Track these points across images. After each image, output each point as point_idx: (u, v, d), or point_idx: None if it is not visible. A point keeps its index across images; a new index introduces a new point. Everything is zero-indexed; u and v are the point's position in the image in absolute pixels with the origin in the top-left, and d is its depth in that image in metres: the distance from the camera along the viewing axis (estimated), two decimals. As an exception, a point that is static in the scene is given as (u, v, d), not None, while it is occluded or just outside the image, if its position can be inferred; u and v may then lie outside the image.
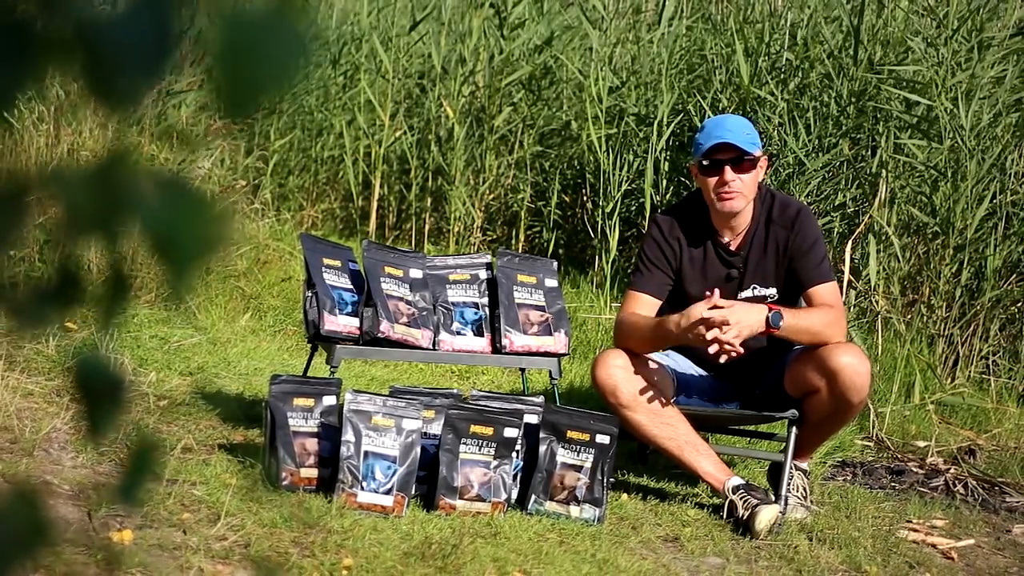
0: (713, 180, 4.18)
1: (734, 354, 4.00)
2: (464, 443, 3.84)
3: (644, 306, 4.23)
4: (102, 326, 0.99)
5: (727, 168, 4.15)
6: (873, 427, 5.35)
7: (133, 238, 0.89)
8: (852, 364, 4.04)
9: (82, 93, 0.87)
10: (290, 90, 0.89)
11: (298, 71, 0.87)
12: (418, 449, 3.77)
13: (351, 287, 4.21)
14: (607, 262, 6.45)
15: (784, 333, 4.06)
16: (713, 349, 3.99)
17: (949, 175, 5.97)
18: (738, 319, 3.99)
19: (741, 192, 4.18)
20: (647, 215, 6.24)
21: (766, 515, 3.97)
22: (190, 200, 0.88)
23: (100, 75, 0.87)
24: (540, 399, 4.15)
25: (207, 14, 0.87)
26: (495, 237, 7.21)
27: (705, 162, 4.18)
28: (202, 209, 0.88)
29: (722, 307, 4.01)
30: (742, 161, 4.16)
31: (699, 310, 4.00)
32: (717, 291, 4.07)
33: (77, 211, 0.87)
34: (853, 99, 6.22)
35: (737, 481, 4.10)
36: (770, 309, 4.03)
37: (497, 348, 4.28)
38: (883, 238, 6.02)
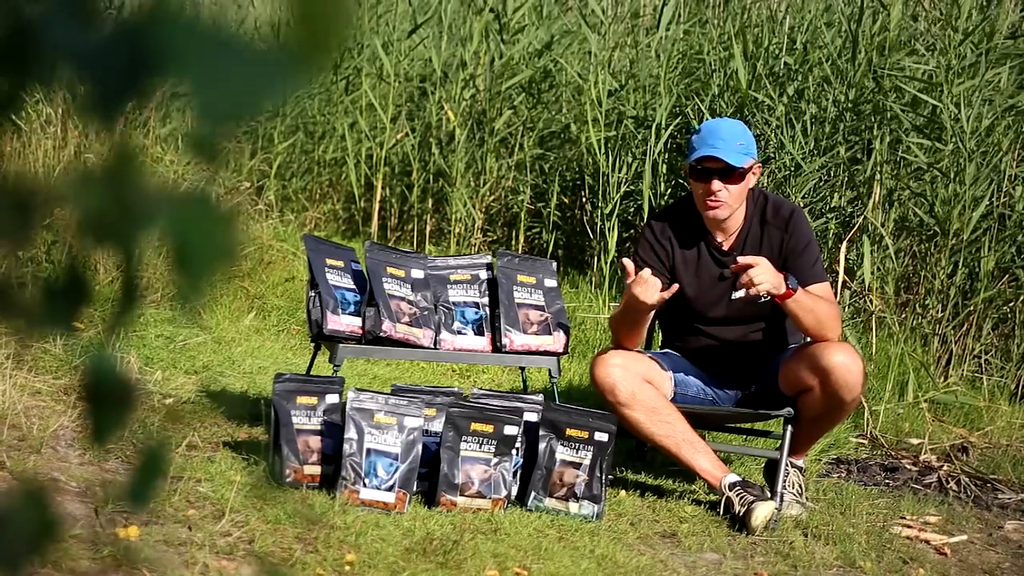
0: (701, 188, 4.24)
1: (754, 289, 4.02)
2: (465, 440, 3.86)
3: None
4: (110, 331, 1.00)
5: (715, 179, 4.21)
6: (867, 425, 5.38)
7: (145, 244, 0.90)
8: (844, 363, 4.08)
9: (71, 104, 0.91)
10: (260, 113, 0.92)
11: (273, 96, 0.89)
12: (419, 446, 3.80)
13: (354, 287, 4.23)
14: (606, 263, 6.49)
15: (795, 305, 4.09)
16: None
17: (952, 176, 6.02)
18: (763, 268, 4.04)
19: (726, 202, 4.23)
20: (645, 216, 6.29)
21: (762, 511, 4.00)
22: (203, 208, 0.90)
23: (82, 93, 0.89)
24: (540, 397, 4.18)
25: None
26: (495, 238, 7.25)
27: (698, 167, 4.24)
28: (215, 217, 0.90)
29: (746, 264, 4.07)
30: (731, 174, 4.21)
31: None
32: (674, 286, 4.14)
33: (92, 219, 0.89)
34: (850, 103, 6.26)
35: (733, 478, 4.13)
36: (786, 277, 4.09)
37: (497, 347, 4.30)
38: (877, 239, 6.07)
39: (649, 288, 4.09)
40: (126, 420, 0.96)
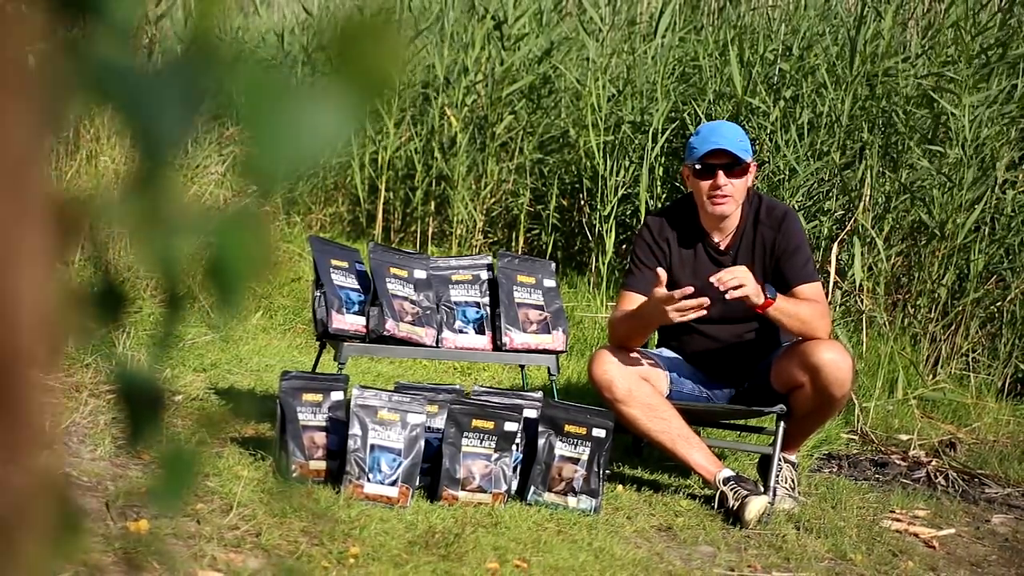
0: (706, 184, 4.27)
1: (735, 289, 4.04)
2: (466, 437, 3.90)
3: (637, 304, 4.30)
4: (159, 349, 0.99)
5: (720, 173, 4.25)
6: (858, 421, 5.43)
7: (186, 258, 0.89)
8: (834, 360, 4.12)
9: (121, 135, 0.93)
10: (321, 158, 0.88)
11: (335, 138, 0.88)
12: (422, 442, 3.84)
13: (358, 287, 4.28)
14: (603, 263, 6.55)
15: (776, 313, 4.13)
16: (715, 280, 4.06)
17: (945, 181, 6.10)
18: (740, 274, 4.08)
19: (732, 196, 4.27)
20: (642, 218, 6.36)
21: (755, 505, 4.04)
22: (241, 223, 0.90)
23: (132, 129, 0.88)
24: (539, 394, 4.22)
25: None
26: (496, 239, 7.31)
27: (698, 166, 4.29)
28: (251, 232, 0.90)
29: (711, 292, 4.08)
30: (735, 167, 4.26)
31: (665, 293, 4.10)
32: (691, 288, 4.09)
33: (133, 233, 0.88)
34: (846, 109, 6.33)
35: (728, 473, 4.17)
36: (764, 288, 4.13)
37: (498, 346, 4.34)
38: (868, 241, 6.15)
39: (687, 311, 4.07)
40: (161, 421, 0.95)
